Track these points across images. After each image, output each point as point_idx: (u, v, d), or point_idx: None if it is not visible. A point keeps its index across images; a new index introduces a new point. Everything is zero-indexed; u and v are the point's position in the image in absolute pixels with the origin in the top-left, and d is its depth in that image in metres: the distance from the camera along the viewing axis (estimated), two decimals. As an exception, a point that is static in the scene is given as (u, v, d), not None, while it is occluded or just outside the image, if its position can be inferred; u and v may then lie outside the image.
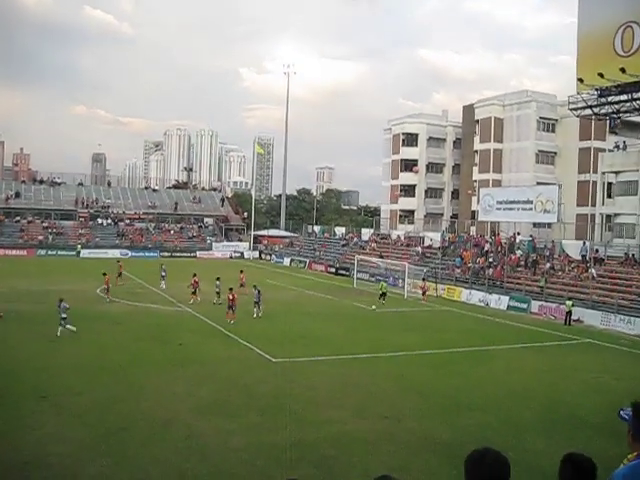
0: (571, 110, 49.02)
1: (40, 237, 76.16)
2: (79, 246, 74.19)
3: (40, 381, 19.31)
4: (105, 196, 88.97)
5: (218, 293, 37.49)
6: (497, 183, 69.54)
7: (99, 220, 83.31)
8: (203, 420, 16.02)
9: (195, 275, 38.88)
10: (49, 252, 72.26)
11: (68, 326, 26.28)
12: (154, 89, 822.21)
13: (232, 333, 28.41)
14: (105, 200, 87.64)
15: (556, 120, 68.79)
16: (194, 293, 37.75)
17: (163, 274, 45.62)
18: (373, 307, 39.30)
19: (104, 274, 38.27)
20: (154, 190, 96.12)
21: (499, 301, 42.95)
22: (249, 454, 13.76)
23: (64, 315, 26.39)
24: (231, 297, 31.56)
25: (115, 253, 73.83)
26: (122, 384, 19.33)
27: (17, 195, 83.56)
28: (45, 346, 24.50)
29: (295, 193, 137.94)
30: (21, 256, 69.62)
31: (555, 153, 69.53)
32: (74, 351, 23.79)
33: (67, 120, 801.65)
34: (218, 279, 38.41)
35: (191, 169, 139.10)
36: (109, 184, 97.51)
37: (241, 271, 45.80)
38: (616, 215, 53.21)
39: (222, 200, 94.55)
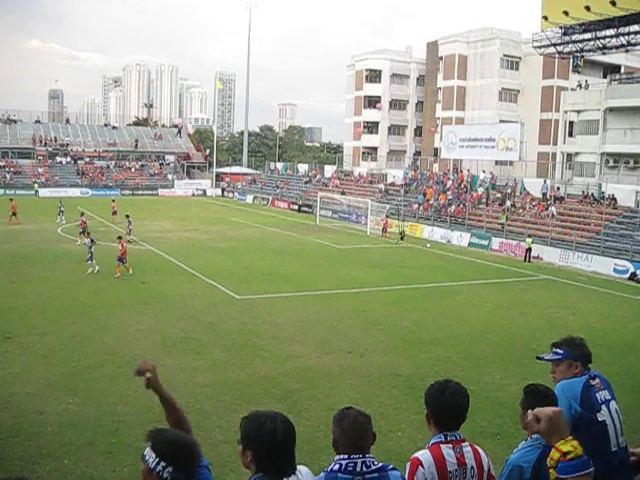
0: (535, 48, 48.97)
1: (-3, 176, 74.67)
2: (36, 185, 72.86)
3: (3, 322, 19.24)
4: (64, 134, 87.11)
5: (130, 230, 37.27)
6: (460, 120, 69.67)
7: (58, 158, 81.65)
8: (169, 357, 16.16)
9: (83, 214, 38.30)
10: (7, 192, 70.90)
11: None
12: (111, 22, 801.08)
13: (196, 271, 28.46)
14: (64, 138, 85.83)
15: (520, 58, 68.70)
16: (81, 233, 36.10)
17: (62, 209, 45.80)
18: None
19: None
20: (114, 127, 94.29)
21: (460, 238, 43.50)
22: (215, 389, 13.98)
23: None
24: (121, 248, 27.83)
25: (75, 192, 72.91)
26: (87, 323, 19.35)
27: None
28: (7, 287, 24.33)
29: (257, 130, 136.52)
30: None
31: (518, 91, 69.64)
32: (37, 291, 23.67)
33: (21, 55, 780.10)
34: (128, 216, 37.69)
35: (151, 105, 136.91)
36: (67, 121, 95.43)
37: (113, 200, 49.60)
38: (577, 154, 53.80)
39: (179, 132, 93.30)
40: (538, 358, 5.37)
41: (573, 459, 3.02)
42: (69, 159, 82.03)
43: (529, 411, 3.26)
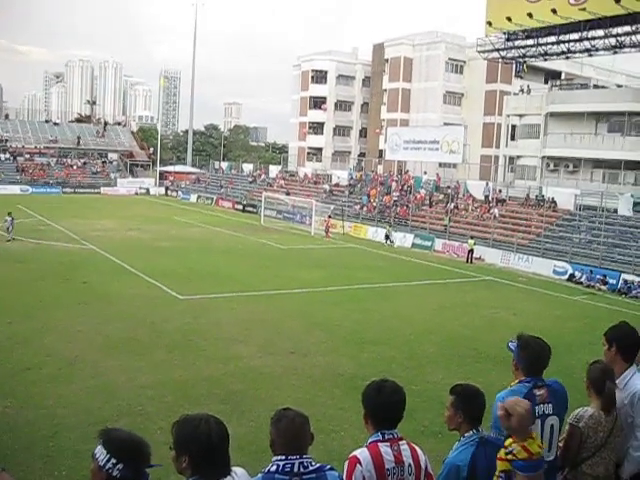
0: (479, 52, 49.68)
1: None
2: (-26, 181, 71.06)
3: (-62, 321, 18.75)
4: (3, 129, 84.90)
5: (8, 229, 35.52)
6: (405, 122, 70.29)
7: (-3, 154, 79.89)
8: (110, 358, 15.93)
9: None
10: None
11: None
12: (54, 16, 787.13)
13: (138, 271, 28.12)
14: (3, 134, 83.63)
15: (464, 62, 69.66)
16: None
17: None
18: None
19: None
20: (55, 124, 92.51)
21: (404, 239, 43.88)
22: (157, 391, 13.83)
23: None
24: None
25: (14, 189, 71.29)
26: (25, 324, 18.90)
27: None
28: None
29: (202, 129, 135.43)
30: None
31: (462, 94, 70.63)
32: (-27, 290, 23.14)
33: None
34: (10, 214, 35.85)
35: (94, 102, 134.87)
36: (7, 117, 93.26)
37: None
38: (518, 157, 54.95)
39: (122, 126, 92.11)
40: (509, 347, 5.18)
41: (537, 460, 3.13)
42: (8, 155, 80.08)
43: (499, 404, 3.31)
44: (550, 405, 4.87)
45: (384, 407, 4.27)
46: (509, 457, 3.19)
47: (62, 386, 13.83)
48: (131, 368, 15.28)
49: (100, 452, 3.21)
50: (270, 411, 11.49)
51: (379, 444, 4.25)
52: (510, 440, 3.23)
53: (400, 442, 4.31)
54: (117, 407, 12.84)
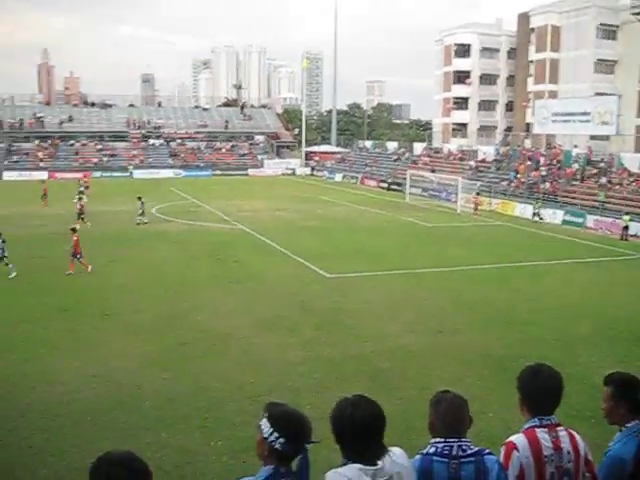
0: (634, 15, 46.96)
1: (94, 159, 76.99)
2: (131, 167, 74.92)
3: (102, 300, 19.91)
4: (156, 116, 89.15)
5: (142, 213, 36.24)
6: (553, 94, 67.53)
7: (151, 141, 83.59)
8: (261, 335, 16.41)
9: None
10: (103, 174, 73.00)
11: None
12: (199, 5, 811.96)
13: (287, 250, 28.70)
14: (156, 120, 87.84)
15: (617, 26, 65.82)
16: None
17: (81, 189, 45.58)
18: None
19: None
20: (204, 109, 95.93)
21: (553, 215, 42.33)
22: (306, 367, 14.10)
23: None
24: (75, 239, 23.99)
25: (168, 173, 74.57)
26: (181, 301, 19.81)
27: (70, 119, 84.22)
28: (106, 266, 25.12)
29: (346, 108, 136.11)
30: (77, 179, 70.30)
31: (615, 62, 66.92)
32: (134, 270, 24.38)
33: (113, 41, 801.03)
34: (140, 198, 36.40)
35: (240, 86, 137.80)
36: (159, 104, 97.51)
37: (42, 181, 49.46)
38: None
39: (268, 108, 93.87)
40: None
41: None
42: (162, 141, 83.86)
43: None
44: None
45: (541, 392, 4.11)
46: None
47: (216, 361, 14.38)
48: (281, 345, 15.66)
49: (264, 425, 3.35)
50: (418, 390, 11.48)
51: (536, 430, 4.09)
52: None
53: (558, 428, 4.13)
54: (268, 382, 13.20)
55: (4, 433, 10.94)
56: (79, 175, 69.18)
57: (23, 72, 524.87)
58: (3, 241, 23.47)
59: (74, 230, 24.50)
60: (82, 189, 44.91)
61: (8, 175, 69.59)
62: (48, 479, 9.62)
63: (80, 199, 37.29)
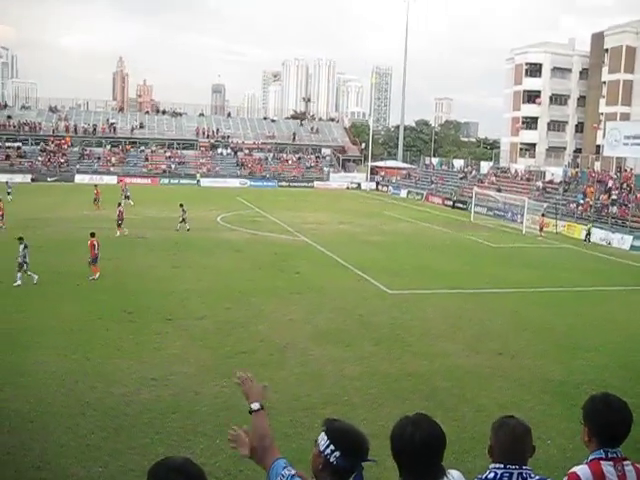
0: None
1: (163, 166, 78.69)
2: (199, 175, 76.08)
3: (165, 304, 20.24)
4: (225, 126, 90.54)
5: (184, 220, 36.49)
6: (625, 117, 66.15)
7: (219, 150, 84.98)
8: (319, 347, 16.44)
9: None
10: (171, 181, 74.43)
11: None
12: (269, 17, 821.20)
13: (349, 264, 28.72)
14: (225, 130, 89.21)
15: (697, 47, 64.32)
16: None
17: (127, 194, 48.22)
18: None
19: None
20: (272, 120, 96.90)
21: (622, 240, 41.34)
22: (363, 382, 14.06)
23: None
24: (90, 243, 23.89)
25: (234, 182, 75.52)
26: (242, 310, 20.00)
27: (141, 126, 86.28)
28: (170, 272, 25.53)
29: (413, 124, 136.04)
30: (146, 184, 71.73)
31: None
32: (197, 277, 24.71)
33: (186, 51, 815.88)
34: (182, 205, 36.78)
35: (309, 99, 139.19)
36: (229, 114, 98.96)
37: (95, 185, 49.28)
38: None
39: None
40: None
41: None
42: (229, 151, 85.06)
43: None
44: None
45: (612, 425, 3.92)
46: None
47: (273, 371, 14.43)
48: (338, 358, 15.65)
49: (322, 438, 3.35)
50: (475, 412, 11.34)
51: (602, 462, 3.91)
52: None
53: (624, 462, 3.93)
54: (324, 395, 13.21)
55: (63, 430, 11.20)
56: (147, 181, 71.03)
57: (98, 79, 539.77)
58: (25, 247, 22.51)
59: (93, 235, 24.17)
60: (128, 194, 46.03)
61: (80, 178, 71.67)
62: (102, 478, 9.80)
63: (119, 204, 36.65)
